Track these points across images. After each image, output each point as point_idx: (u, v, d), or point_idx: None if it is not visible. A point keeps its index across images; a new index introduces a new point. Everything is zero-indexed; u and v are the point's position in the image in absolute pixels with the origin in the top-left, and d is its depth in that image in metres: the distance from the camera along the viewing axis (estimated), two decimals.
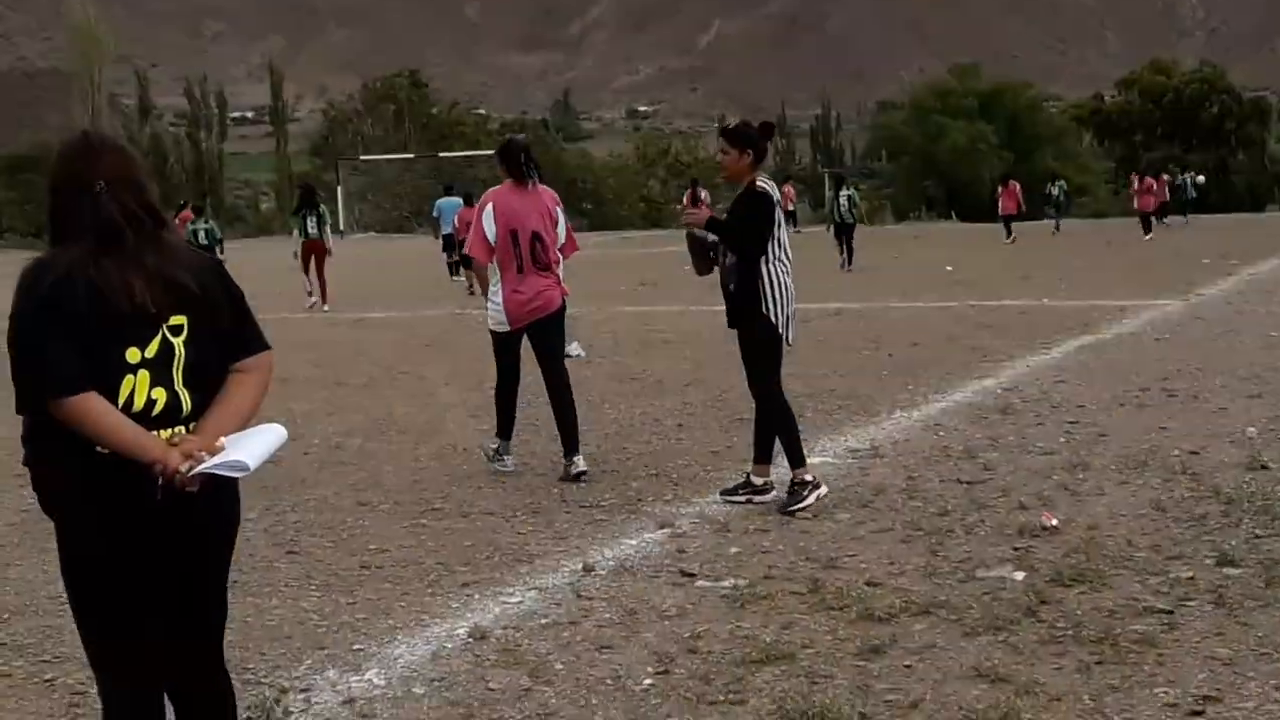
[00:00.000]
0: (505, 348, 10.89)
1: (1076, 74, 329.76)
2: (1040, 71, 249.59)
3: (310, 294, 26.77)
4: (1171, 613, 6.67)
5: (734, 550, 8.05)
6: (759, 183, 8.91)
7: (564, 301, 11.05)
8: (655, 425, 12.35)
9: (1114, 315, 19.93)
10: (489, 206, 10.58)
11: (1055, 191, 50.97)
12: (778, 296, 8.96)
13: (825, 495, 8.90)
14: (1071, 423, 11.63)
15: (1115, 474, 9.69)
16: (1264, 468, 9.69)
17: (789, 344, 9.18)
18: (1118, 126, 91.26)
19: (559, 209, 10.91)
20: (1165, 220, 47.98)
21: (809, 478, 8.94)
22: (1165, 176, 51.57)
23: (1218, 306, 20.97)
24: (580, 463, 10.31)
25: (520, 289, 10.57)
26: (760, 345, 9.14)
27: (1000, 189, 46.25)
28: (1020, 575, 7.33)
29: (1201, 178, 51.76)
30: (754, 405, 9.46)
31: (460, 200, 34.73)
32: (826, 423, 12.04)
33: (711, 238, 9.22)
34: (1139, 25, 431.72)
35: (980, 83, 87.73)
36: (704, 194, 46.48)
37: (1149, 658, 6.08)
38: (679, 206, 9.53)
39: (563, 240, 10.91)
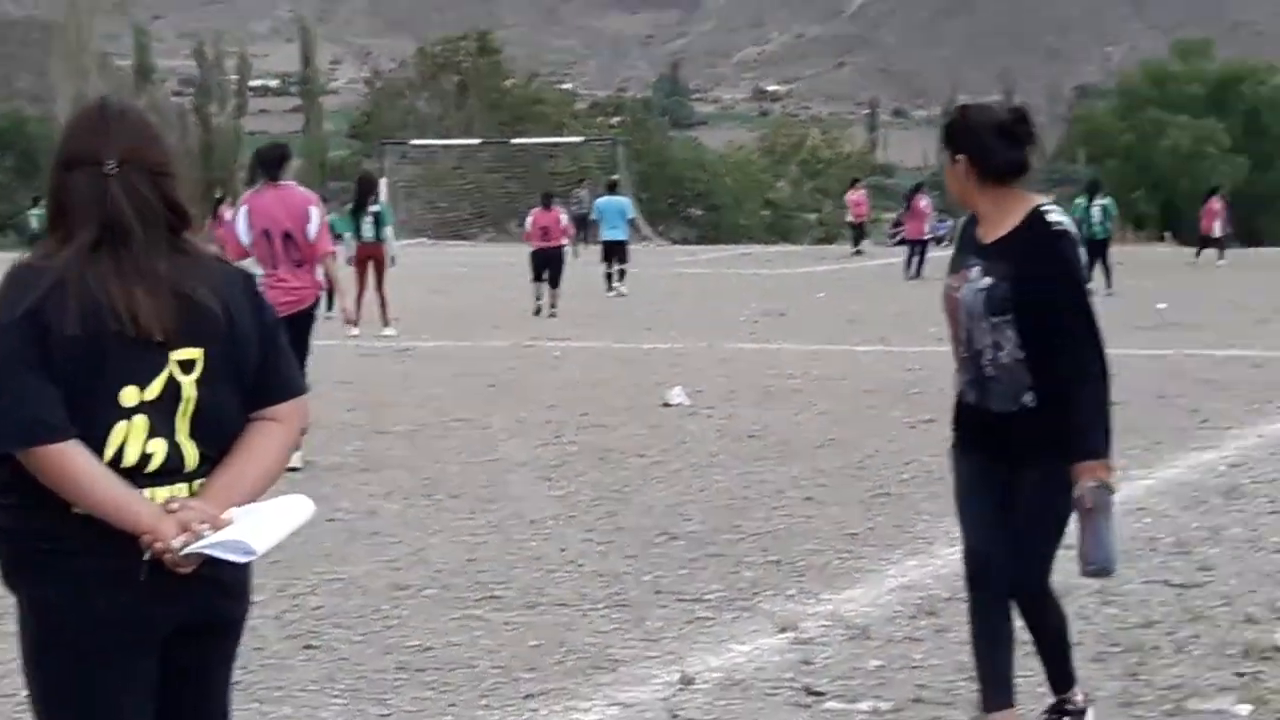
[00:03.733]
0: None
1: None
2: None
3: (352, 322, 26.87)
4: None
5: (875, 664, 8.02)
6: (1048, 209, 6.53)
7: (318, 298, 14.45)
8: (778, 498, 12.30)
9: None
10: (243, 209, 14.11)
11: None
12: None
13: None
14: None
15: None
16: None
17: None
18: None
19: (313, 208, 14.05)
20: None
21: (1080, 698, 6.90)
22: None
23: None
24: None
25: (276, 283, 13.47)
26: (1058, 506, 6.49)
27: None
28: (1245, 710, 7.27)
29: None
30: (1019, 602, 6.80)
31: (627, 201, 39.29)
32: None
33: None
34: None
35: (1211, 65, 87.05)
36: (924, 202, 45.46)
37: None
38: None
39: (314, 239, 13.92)
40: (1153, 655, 8.00)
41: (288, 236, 13.69)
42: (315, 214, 13.90)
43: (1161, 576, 9.67)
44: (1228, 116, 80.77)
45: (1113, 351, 6.30)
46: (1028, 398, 6.41)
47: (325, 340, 24.10)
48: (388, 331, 25.90)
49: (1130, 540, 10.64)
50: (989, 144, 6.39)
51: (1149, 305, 31.02)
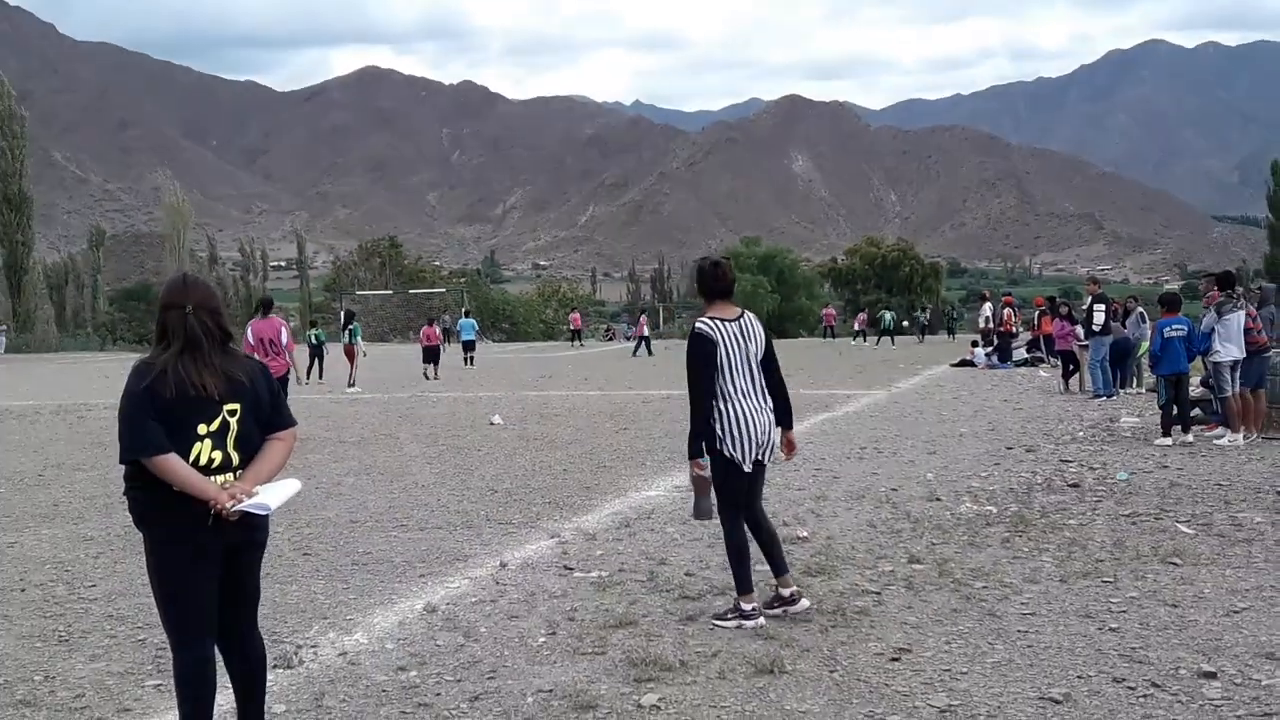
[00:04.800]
0: None
1: (821, 244, 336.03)
2: (797, 242, 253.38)
3: (352, 383, 26.31)
4: (879, 594, 6.73)
5: (599, 552, 7.98)
6: (698, 323, 6.11)
7: (287, 373, 14.66)
8: (549, 470, 12.19)
9: (844, 400, 20.17)
10: (250, 326, 14.75)
11: (887, 317, 50.56)
12: (731, 428, 6.06)
13: (750, 627, 6.03)
14: (816, 469, 11.72)
15: (844, 503, 9.78)
16: (937, 499, 9.84)
17: (748, 469, 6.20)
18: (847, 279, 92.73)
19: (284, 328, 14.84)
20: (864, 341, 49.57)
21: (746, 607, 6.10)
22: (863, 313, 55.77)
23: (909, 395, 21.32)
24: None
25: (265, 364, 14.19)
26: (720, 477, 6.15)
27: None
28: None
29: (893, 313, 52.68)
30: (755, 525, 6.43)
31: (473, 321, 39.71)
32: (660, 469, 12.01)
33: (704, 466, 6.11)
34: (860, 213, 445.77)
35: (759, 249, 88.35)
36: (643, 318, 47.65)
37: (865, 623, 6.13)
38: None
39: (285, 344, 14.74)
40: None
41: (271, 342, 14.56)
42: (285, 332, 14.81)
43: None
44: (768, 275, 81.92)
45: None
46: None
47: (314, 396, 23.61)
48: (352, 390, 25.34)
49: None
50: (704, 279, 6.19)
51: None
